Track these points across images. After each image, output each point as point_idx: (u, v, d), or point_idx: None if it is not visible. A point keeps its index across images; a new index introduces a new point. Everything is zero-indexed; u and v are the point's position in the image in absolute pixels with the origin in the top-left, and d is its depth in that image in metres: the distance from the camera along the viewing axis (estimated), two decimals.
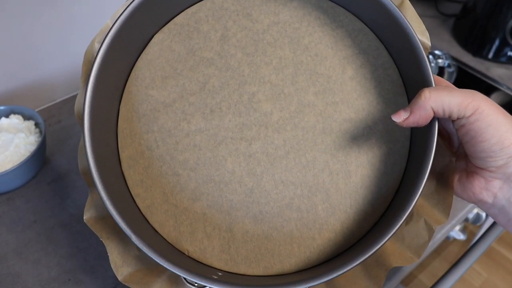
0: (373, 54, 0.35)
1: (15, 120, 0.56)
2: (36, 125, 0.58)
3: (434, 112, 0.28)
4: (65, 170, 0.58)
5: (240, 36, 0.36)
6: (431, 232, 0.32)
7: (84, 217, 0.35)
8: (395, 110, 0.34)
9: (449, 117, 0.29)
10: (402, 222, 0.29)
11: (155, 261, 0.30)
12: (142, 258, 0.34)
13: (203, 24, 0.36)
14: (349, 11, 0.35)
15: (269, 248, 0.34)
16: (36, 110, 0.67)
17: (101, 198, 0.31)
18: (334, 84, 0.35)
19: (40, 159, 0.56)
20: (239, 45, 0.36)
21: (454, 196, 0.32)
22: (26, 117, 0.58)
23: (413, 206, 0.29)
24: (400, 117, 0.29)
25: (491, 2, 0.73)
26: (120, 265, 0.33)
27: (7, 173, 0.51)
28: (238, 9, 0.36)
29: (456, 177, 0.32)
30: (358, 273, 0.33)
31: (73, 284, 0.46)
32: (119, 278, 0.33)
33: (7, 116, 0.58)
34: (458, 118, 0.28)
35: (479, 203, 0.31)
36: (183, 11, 0.37)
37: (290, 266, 0.33)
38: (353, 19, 0.35)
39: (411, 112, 0.29)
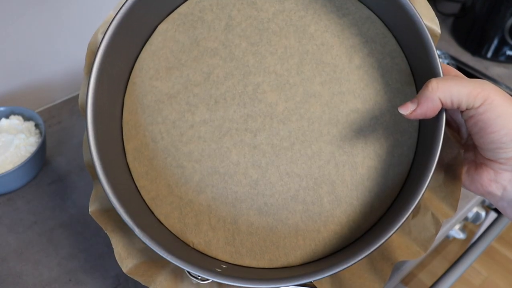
0: (380, 42, 0.34)
1: (15, 121, 0.56)
2: (36, 126, 0.58)
3: (442, 103, 0.27)
4: (65, 171, 0.58)
5: (244, 26, 0.36)
6: (438, 225, 0.31)
7: (89, 210, 0.34)
8: (403, 100, 0.33)
9: (458, 108, 0.28)
10: (409, 215, 0.29)
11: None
12: (147, 250, 0.34)
13: (207, 13, 0.36)
14: None
15: (274, 240, 0.33)
16: (36, 111, 0.67)
17: (104, 190, 0.30)
18: (340, 74, 0.34)
19: (40, 160, 0.56)
20: (243, 35, 0.35)
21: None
22: (26, 118, 0.58)
23: (420, 199, 0.29)
24: (407, 109, 0.28)
25: (489, 1, 0.73)
26: (125, 257, 0.33)
27: (8, 174, 0.51)
28: None
29: (464, 169, 0.31)
30: (363, 266, 0.33)
31: (73, 285, 0.46)
32: (124, 270, 0.33)
33: (7, 117, 0.58)
34: (467, 109, 0.27)
35: (488, 195, 0.30)
36: (187, 0, 0.36)
37: (295, 259, 0.33)
38: (360, 6, 0.34)
39: (418, 104, 0.28)
